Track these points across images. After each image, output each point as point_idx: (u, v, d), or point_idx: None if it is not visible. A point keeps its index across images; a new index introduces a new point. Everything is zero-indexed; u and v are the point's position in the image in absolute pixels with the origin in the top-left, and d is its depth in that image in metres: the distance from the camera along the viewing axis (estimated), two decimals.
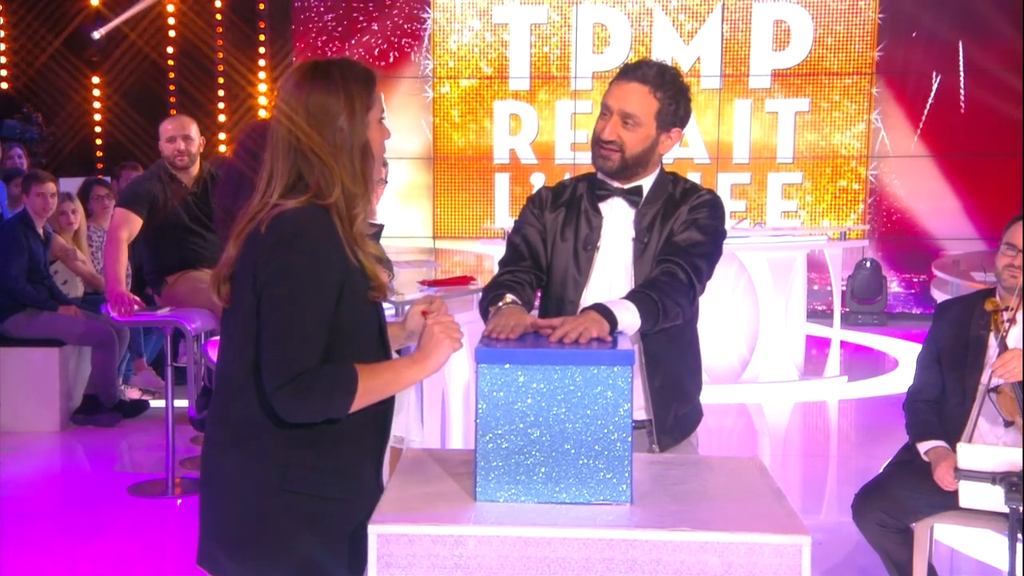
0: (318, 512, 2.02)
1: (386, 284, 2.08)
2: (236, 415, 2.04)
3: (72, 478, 5.50)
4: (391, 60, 10.19)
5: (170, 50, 10.40)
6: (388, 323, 2.21)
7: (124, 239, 5.26)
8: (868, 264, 9.84)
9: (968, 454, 3.17)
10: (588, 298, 2.60)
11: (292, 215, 1.97)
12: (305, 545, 2.01)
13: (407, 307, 4.25)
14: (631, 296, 2.41)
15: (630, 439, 2.02)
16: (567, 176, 2.83)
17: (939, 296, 6.60)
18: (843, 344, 7.99)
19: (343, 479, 2.04)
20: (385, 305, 4.34)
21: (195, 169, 5.46)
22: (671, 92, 2.61)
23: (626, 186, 2.67)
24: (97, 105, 10.54)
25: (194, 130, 5.47)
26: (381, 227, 4.96)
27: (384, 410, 2.12)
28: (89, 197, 7.10)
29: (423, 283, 4.96)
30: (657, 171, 2.70)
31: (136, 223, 5.29)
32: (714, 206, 2.67)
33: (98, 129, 10.57)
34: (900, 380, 7.43)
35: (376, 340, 2.10)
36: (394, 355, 2.22)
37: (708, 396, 2.84)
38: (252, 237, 2.01)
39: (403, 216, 9.97)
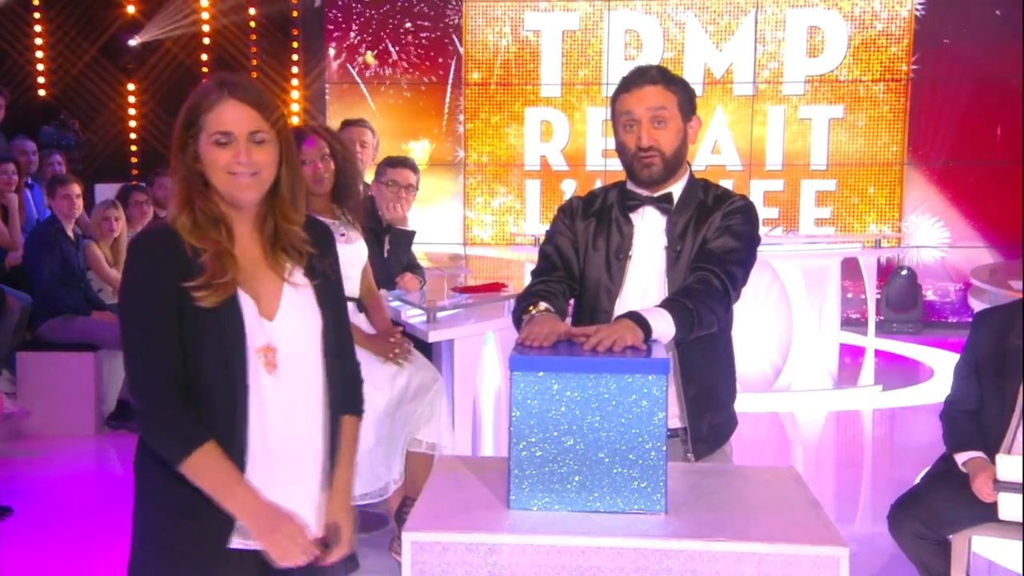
0: (166, 520, 2.02)
1: (218, 286, 1.97)
2: None
3: (106, 481, 5.55)
4: (422, 66, 10.22)
5: (204, 57, 10.49)
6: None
7: None
8: (904, 272, 9.74)
9: (1008, 465, 3.12)
10: (621, 307, 2.59)
11: (136, 236, 2.14)
12: (156, 551, 2.04)
13: (438, 313, 4.28)
14: (665, 304, 2.40)
15: (665, 448, 2.01)
16: (598, 183, 2.81)
17: (976, 305, 6.51)
18: (878, 353, 7.91)
19: (187, 489, 1.98)
20: (416, 311, 4.37)
21: None
22: (678, 83, 2.66)
23: (656, 194, 2.66)
24: (132, 112, 10.64)
25: None
26: (413, 233, 4.98)
27: (233, 429, 2.00)
28: (128, 203, 7.17)
29: (455, 289, 4.96)
30: (687, 177, 2.69)
31: None
32: (748, 212, 2.66)
33: (133, 136, 10.68)
34: (936, 390, 7.34)
35: (215, 348, 1.97)
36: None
37: (740, 404, 2.81)
38: None
39: (434, 223, 9.98)
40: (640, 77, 2.63)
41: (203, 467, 1.94)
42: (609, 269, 2.64)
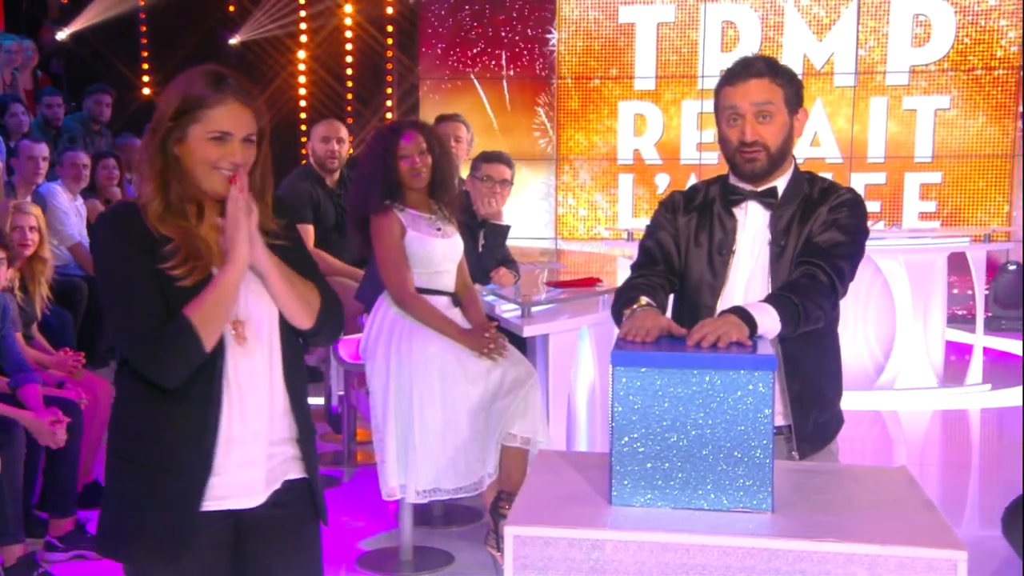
0: (139, 478, 2.07)
1: (194, 267, 2.04)
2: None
3: None
4: (516, 61, 10.22)
5: (302, 55, 10.67)
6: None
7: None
8: (1012, 268, 9.39)
9: None
10: (724, 303, 2.54)
11: (101, 214, 2.21)
12: (127, 510, 2.08)
13: (532, 308, 4.27)
14: (771, 299, 2.35)
15: (771, 446, 1.96)
16: (692, 177, 2.77)
17: None
18: (986, 350, 7.63)
19: (159, 446, 2.06)
20: (510, 306, 4.36)
21: (337, 172, 5.66)
22: (785, 75, 2.59)
23: (760, 188, 2.60)
24: None
25: (345, 133, 5.72)
26: (507, 228, 4.98)
27: (208, 380, 2.06)
28: None
29: (549, 284, 4.95)
30: (791, 170, 2.63)
31: (310, 232, 5.42)
32: (855, 205, 2.60)
33: None
34: None
35: None
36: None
37: (841, 402, 2.74)
38: None
39: (526, 217, 9.98)
40: (745, 69, 2.57)
41: (201, 313, 1.99)
42: (712, 265, 2.59)
